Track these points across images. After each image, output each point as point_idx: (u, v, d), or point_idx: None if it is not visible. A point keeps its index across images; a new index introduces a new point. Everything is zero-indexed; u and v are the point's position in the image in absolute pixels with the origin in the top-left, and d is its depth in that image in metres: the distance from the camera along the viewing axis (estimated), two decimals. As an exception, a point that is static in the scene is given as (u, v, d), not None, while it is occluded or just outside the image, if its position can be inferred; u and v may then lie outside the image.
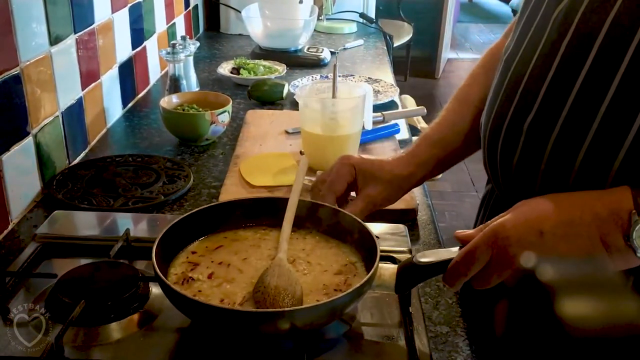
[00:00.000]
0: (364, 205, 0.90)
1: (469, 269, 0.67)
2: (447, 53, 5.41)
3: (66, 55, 1.16)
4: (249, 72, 1.70)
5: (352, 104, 1.13)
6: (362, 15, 2.39)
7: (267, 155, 1.21)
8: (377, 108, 1.41)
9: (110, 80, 1.39)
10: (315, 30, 2.15)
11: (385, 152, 1.25)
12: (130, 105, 1.52)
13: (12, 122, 0.99)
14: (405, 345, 0.70)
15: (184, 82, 1.46)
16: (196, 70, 1.59)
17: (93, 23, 1.28)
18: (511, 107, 0.74)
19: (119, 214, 0.98)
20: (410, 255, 0.77)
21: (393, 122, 1.36)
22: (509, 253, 0.64)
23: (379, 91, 1.60)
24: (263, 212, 0.84)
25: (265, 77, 1.67)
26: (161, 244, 0.73)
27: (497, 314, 0.84)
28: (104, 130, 1.37)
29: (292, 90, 1.56)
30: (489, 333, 0.83)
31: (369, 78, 1.70)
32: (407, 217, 1.01)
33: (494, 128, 0.77)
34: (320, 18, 2.29)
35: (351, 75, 1.73)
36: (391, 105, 1.53)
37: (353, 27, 2.32)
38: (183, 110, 1.29)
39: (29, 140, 1.03)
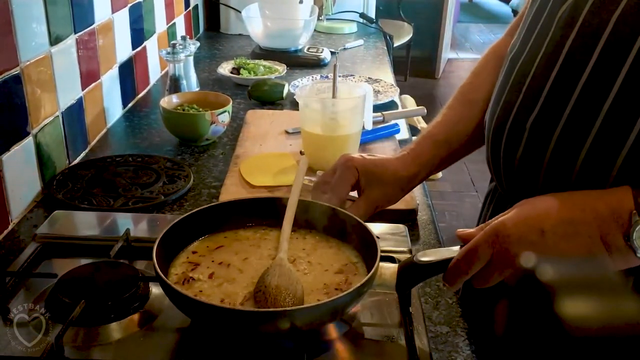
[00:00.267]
0: (367, 208, 0.89)
1: (470, 268, 0.67)
2: (447, 53, 5.42)
3: (66, 55, 1.16)
4: (249, 72, 1.70)
5: (352, 104, 1.13)
6: (362, 15, 2.39)
7: (267, 155, 1.21)
8: (377, 108, 1.41)
9: (110, 80, 1.39)
10: (315, 30, 2.15)
11: (385, 152, 1.25)
12: (130, 105, 1.52)
13: (12, 122, 0.99)
14: (405, 345, 0.70)
15: (184, 82, 1.46)
16: (196, 70, 1.59)
17: (93, 23, 1.28)
18: (515, 105, 0.75)
19: (119, 214, 0.98)
20: (410, 255, 0.77)
21: (393, 122, 1.36)
22: (510, 251, 0.64)
23: (379, 91, 1.60)
24: (263, 212, 0.84)
25: (266, 77, 1.67)
26: (162, 244, 0.73)
27: (497, 314, 0.84)
28: (104, 130, 1.37)
29: (292, 90, 1.56)
30: (489, 333, 0.83)
31: (369, 78, 1.70)
32: (407, 217, 1.01)
33: (498, 126, 0.78)
34: (321, 18, 2.29)
35: (351, 75, 1.72)
36: (391, 105, 1.54)
37: (353, 27, 2.32)
38: (183, 110, 1.29)
39: (29, 140, 1.03)
